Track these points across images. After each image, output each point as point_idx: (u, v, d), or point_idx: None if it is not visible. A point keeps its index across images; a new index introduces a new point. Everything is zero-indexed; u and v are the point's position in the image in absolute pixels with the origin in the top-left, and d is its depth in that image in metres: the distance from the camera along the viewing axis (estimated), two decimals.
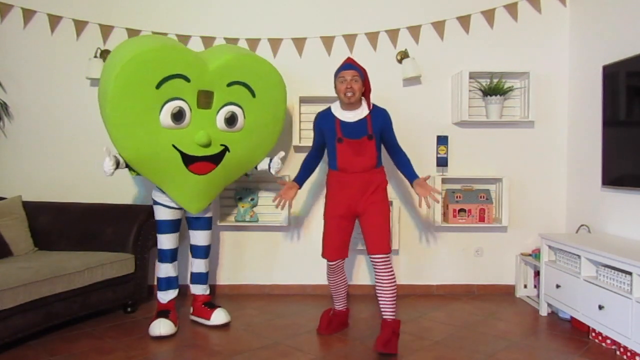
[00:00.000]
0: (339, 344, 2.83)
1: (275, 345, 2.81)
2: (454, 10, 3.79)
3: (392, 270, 2.73)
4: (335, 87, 2.79)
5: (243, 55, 2.95)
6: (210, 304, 3.19)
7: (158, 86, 2.65)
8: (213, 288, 3.83)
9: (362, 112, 2.80)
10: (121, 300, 3.31)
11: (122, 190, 3.82)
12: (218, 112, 2.89)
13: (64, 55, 3.79)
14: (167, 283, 3.08)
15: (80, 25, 3.75)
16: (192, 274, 3.25)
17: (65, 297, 2.90)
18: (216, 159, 2.93)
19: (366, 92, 2.83)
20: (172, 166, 2.83)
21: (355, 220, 2.92)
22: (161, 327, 2.91)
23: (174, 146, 2.78)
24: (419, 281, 3.90)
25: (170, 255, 3.08)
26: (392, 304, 2.71)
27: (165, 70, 2.66)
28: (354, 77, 2.72)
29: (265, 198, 3.81)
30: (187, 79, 2.73)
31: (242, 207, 3.70)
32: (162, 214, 3.05)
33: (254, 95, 2.99)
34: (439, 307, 3.55)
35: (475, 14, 3.79)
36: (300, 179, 3.01)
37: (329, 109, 2.89)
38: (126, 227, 3.37)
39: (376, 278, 2.74)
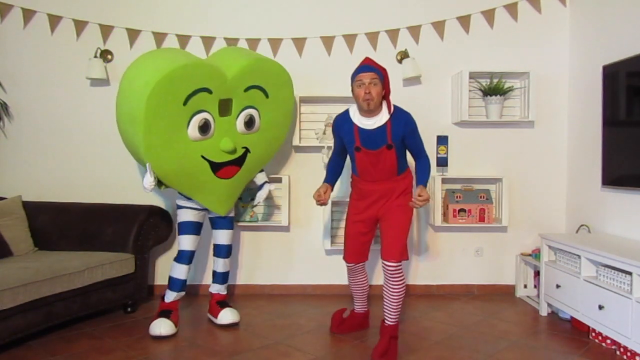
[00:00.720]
0: (339, 344, 2.83)
1: (275, 345, 2.81)
2: (454, 10, 3.79)
3: (401, 279, 2.62)
4: (353, 91, 2.56)
5: (257, 60, 3.01)
6: (222, 302, 3.23)
7: (185, 102, 2.70)
8: None
9: (382, 118, 2.58)
10: (121, 300, 3.31)
11: (122, 190, 3.82)
12: (237, 117, 2.98)
13: (64, 55, 3.79)
14: (179, 284, 3.07)
15: (80, 25, 3.75)
16: (213, 272, 3.31)
17: (65, 297, 2.90)
18: (240, 161, 3.05)
19: (386, 94, 2.61)
20: (202, 176, 2.92)
21: (377, 225, 2.85)
22: (162, 327, 2.92)
23: (202, 157, 2.86)
24: (419, 281, 3.90)
25: (188, 257, 3.09)
26: (396, 311, 2.66)
27: (190, 86, 2.70)
28: (372, 80, 2.50)
29: (266, 199, 3.80)
30: (210, 91, 2.79)
31: (242, 207, 3.70)
32: (186, 216, 3.10)
33: (267, 96, 3.08)
34: (439, 307, 3.55)
35: (475, 14, 3.79)
36: (330, 180, 2.90)
37: (347, 112, 2.71)
38: (126, 227, 3.37)
39: (384, 282, 2.67)
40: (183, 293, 3.12)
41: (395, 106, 2.64)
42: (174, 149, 2.77)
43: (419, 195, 2.50)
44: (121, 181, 3.82)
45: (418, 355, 2.66)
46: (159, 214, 3.52)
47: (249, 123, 3.02)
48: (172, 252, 3.87)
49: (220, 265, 3.25)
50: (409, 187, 2.74)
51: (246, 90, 2.96)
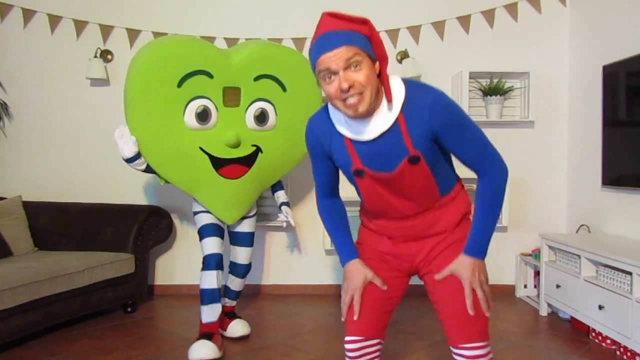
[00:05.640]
0: (339, 344, 2.83)
1: (275, 345, 2.81)
2: (454, 10, 3.78)
3: None
4: (321, 87, 1.42)
5: (268, 46, 2.71)
6: (231, 314, 2.99)
7: (179, 84, 2.48)
8: None
9: (386, 114, 1.43)
10: (121, 300, 3.31)
11: (122, 190, 3.81)
12: (247, 109, 2.65)
13: (64, 55, 3.79)
14: (211, 295, 2.64)
15: (80, 25, 3.75)
16: (225, 287, 2.96)
17: (65, 297, 2.90)
18: (248, 160, 2.67)
19: (381, 66, 1.42)
20: (201, 171, 2.61)
21: (408, 280, 1.74)
22: (202, 350, 2.50)
23: (201, 149, 2.57)
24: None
25: (216, 261, 2.66)
26: None
27: (185, 67, 2.48)
28: (351, 62, 1.34)
29: (264, 198, 3.80)
30: (210, 75, 2.52)
31: None
32: (204, 219, 2.74)
33: (284, 89, 2.72)
34: None
35: (475, 14, 3.79)
36: (347, 246, 1.65)
37: (324, 114, 1.55)
38: (126, 227, 3.37)
39: None
40: (220, 306, 2.66)
41: (408, 83, 1.46)
42: (169, 135, 2.54)
43: (467, 272, 1.50)
44: (121, 181, 3.81)
45: (418, 355, 2.66)
46: (159, 214, 3.52)
47: (261, 118, 2.66)
48: (172, 252, 3.87)
49: (237, 284, 2.93)
50: (461, 211, 1.65)
51: (256, 79, 2.64)
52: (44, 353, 2.69)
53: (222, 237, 2.76)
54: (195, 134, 2.56)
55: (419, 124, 1.43)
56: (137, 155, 2.58)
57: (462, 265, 1.51)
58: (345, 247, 1.65)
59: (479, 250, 1.52)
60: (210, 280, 2.63)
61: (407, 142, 1.45)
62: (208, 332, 2.61)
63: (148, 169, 2.65)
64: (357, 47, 1.35)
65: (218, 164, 2.60)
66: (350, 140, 1.50)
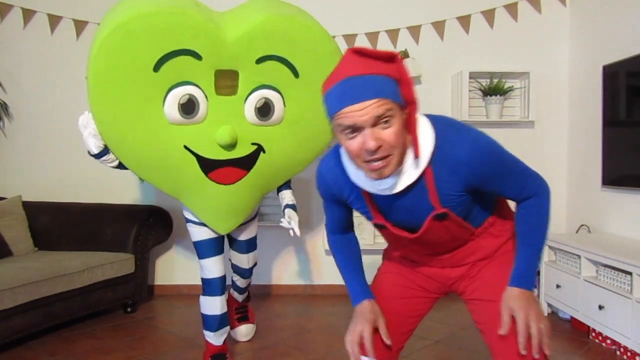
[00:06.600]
0: (340, 345, 2.83)
1: (275, 345, 2.81)
2: (454, 10, 3.78)
3: None
4: (337, 138, 1.24)
5: (276, 18, 2.07)
6: (243, 314, 2.88)
7: (156, 68, 1.94)
8: None
9: (411, 170, 1.25)
10: (121, 300, 3.31)
11: (122, 190, 3.81)
12: (246, 99, 2.11)
13: (64, 55, 3.79)
14: (218, 322, 2.37)
15: (80, 25, 3.75)
16: (233, 282, 2.80)
17: (65, 297, 2.90)
18: (247, 162, 2.16)
19: (410, 111, 1.20)
20: (186, 175, 2.14)
21: (435, 299, 1.69)
22: None
23: (186, 148, 2.08)
24: None
25: (219, 286, 2.35)
26: None
27: (164, 45, 1.92)
28: (380, 119, 1.14)
29: (266, 198, 3.80)
30: (198, 56, 1.98)
31: None
32: (198, 233, 2.37)
33: (296, 74, 2.14)
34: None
35: (475, 14, 3.79)
36: (358, 286, 1.49)
37: (336, 162, 1.38)
38: (126, 227, 3.37)
39: None
40: (227, 329, 2.46)
41: (438, 129, 1.25)
42: (145, 132, 2.04)
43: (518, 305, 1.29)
44: (121, 181, 3.81)
45: (418, 355, 2.66)
46: (159, 214, 3.52)
47: (264, 110, 2.12)
48: (172, 252, 3.87)
49: (242, 282, 2.74)
50: (501, 238, 1.46)
51: (260, 61, 2.07)
52: (44, 353, 2.69)
53: (222, 251, 2.44)
54: (179, 130, 2.06)
55: (451, 180, 1.25)
56: (106, 150, 2.18)
57: (511, 300, 1.31)
58: (356, 287, 1.48)
59: (526, 280, 1.32)
60: (215, 306, 2.36)
61: (433, 199, 1.28)
62: (220, 354, 2.44)
63: (122, 166, 2.25)
64: (389, 99, 1.13)
65: (208, 166, 2.11)
66: (371, 196, 1.35)
